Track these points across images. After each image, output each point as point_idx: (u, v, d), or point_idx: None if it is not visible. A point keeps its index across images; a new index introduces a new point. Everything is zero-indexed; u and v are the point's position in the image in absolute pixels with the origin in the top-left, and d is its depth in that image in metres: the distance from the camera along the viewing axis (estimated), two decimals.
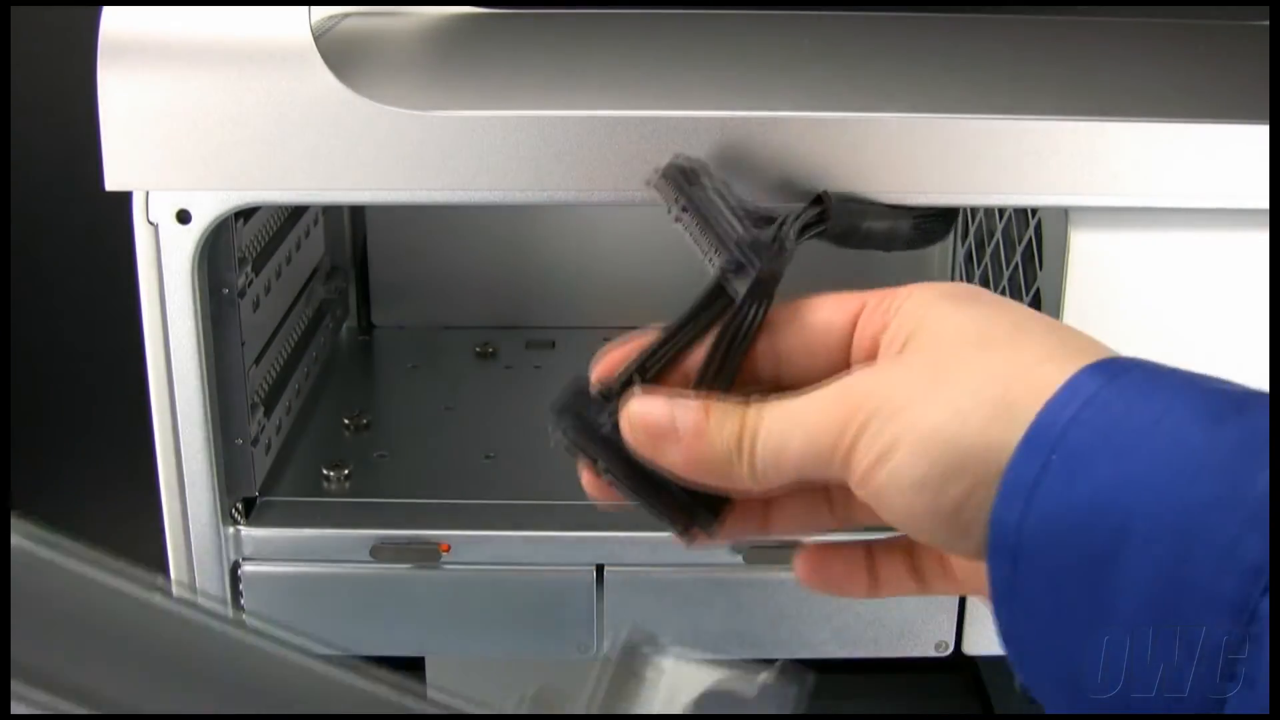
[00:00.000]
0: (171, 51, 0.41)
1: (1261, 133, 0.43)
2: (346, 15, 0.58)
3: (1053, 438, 0.28)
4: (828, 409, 0.31)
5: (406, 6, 0.61)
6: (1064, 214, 0.45)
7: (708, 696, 0.29)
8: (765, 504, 0.36)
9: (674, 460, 0.34)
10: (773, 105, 0.42)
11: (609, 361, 0.36)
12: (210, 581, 0.48)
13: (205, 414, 0.45)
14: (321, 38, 0.42)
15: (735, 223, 0.36)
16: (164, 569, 0.48)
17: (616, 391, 0.35)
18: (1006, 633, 0.29)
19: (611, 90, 0.45)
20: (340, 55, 0.43)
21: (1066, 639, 0.28)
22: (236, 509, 0.49)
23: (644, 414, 0.34)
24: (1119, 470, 0.27)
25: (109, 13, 0.41)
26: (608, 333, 0.73)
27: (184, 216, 0.43)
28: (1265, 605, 0.24)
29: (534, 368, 0.70)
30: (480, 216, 0.73)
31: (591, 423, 0.35)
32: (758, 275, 0.35)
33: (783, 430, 0.32)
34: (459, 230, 0.74)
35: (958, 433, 0.29)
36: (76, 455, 0.82)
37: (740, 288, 0.35)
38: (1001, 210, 0.58)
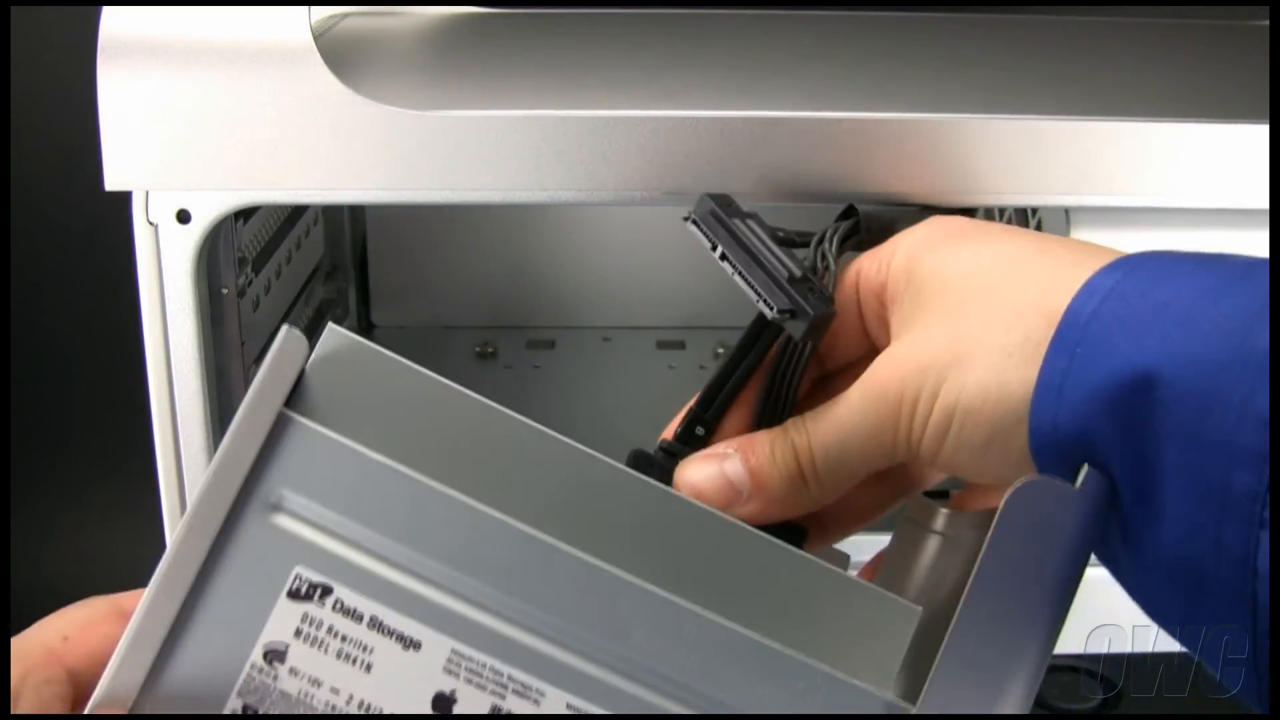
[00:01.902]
0: (171, 51, 0.41)
1: (1261, 133, 0.43)
2: (346, 15, 0.58)
3: (1076, 335, 0.29)
4: (871, 408, 0.32)
5: (406, 6, 0.61)
6: (1064, 214, 0.45)
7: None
8: (823, 513, 0.36)
9: (747, 514, 0.33)
10: (773, 105, 0.42)
11: (677, 422, 0.37)
12: None
13: (205, 414, 0.45)
14: (321, 37, 0.42)
15: (782, 263, 0.36)
16: None
17: (680, 445, 0.36)
18: None
19: (611, 90, 0.45)
20: (340, 55, 0.43)
21: (1131, 523, 0.29)
22: None
23: (698, 485, 0.34)
24: (1137, 348, 0.28)
25: (109, 13, 0.41)
26: (608, 333, 0.74)
27: (184, 216, 0.43)
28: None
29: (534, 368, 0.70)
30: (480, 216, 0.73)
31: None
32: (814, 318, 0.34)
33: (839, 443, 0.33)
34: (459, 230, 0.74)
35: (1002, 391, 0.30)
36: (76, 455, 0.82)
37: (796, 331, 0.35)
38: (1002, 210, 0.58)
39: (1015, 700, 0.29)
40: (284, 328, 0.30)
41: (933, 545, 0.34)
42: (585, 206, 0.72)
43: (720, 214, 0.37)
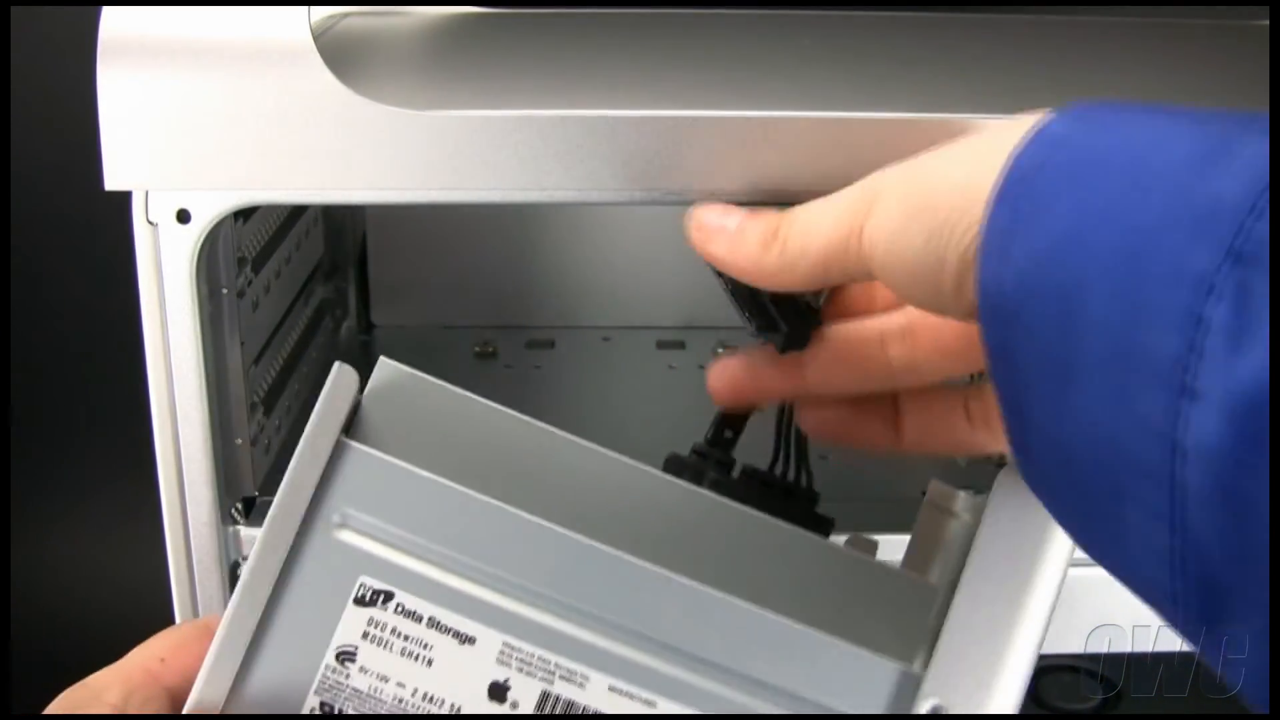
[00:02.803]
0: (171, 51, 0.41)
1: None
2: (346, 15, 0.58)
3: (1022, 185, 0.28)
4: (847, 197, 0.33)
5: (406, 6, 0.61)
6: None
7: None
8: (896, 412, 0.38)
9: (716, 249, 0.36)
10: (773, 105, 0.42)
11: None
12: (210, 581, 0.48)
13: (204, 414, 0.45)
14: (321, 37, 0.42)
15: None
16: (164, 569, 0.48)
17: (709, 447, 0.39)
18: (1008, 408, 0.29)
19: (611, 90, 0.45)
20: (340, 55, 0.43)
21: (1051, 397, 0.27)
22: (236, 509, 0.49)
23: (702, 214, 0.37)
24: (1080, 205, 0.26)
25: (109, 13, 0.41)
26: (608, 333, 0.74)
27: (184, 216, 0.43)
28: (1214, 313, 0.24)
29: (534, 368, 0.70)
30: (480, 216, 0.73)
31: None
32: (787, 335, 0.37)
33: (808, 222, 0.34)
34: (459, 230, 0.74)
35: (940, 172, 0.30)
36: (76, 455, 0.82)
37: (776, 344, 0.37)
38: None
39: (1019, 659, 0.32)
40: (336, 364, 0.34)
41: (954, 528, 0.36)
42: (585, 206, 0.72)
43: None
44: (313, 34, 0.41)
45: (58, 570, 0.84)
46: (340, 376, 0.33)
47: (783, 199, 0.43)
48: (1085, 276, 0.26)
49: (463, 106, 0.42)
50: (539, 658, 0.32)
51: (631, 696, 0.32)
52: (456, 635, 0.32)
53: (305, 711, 0.32)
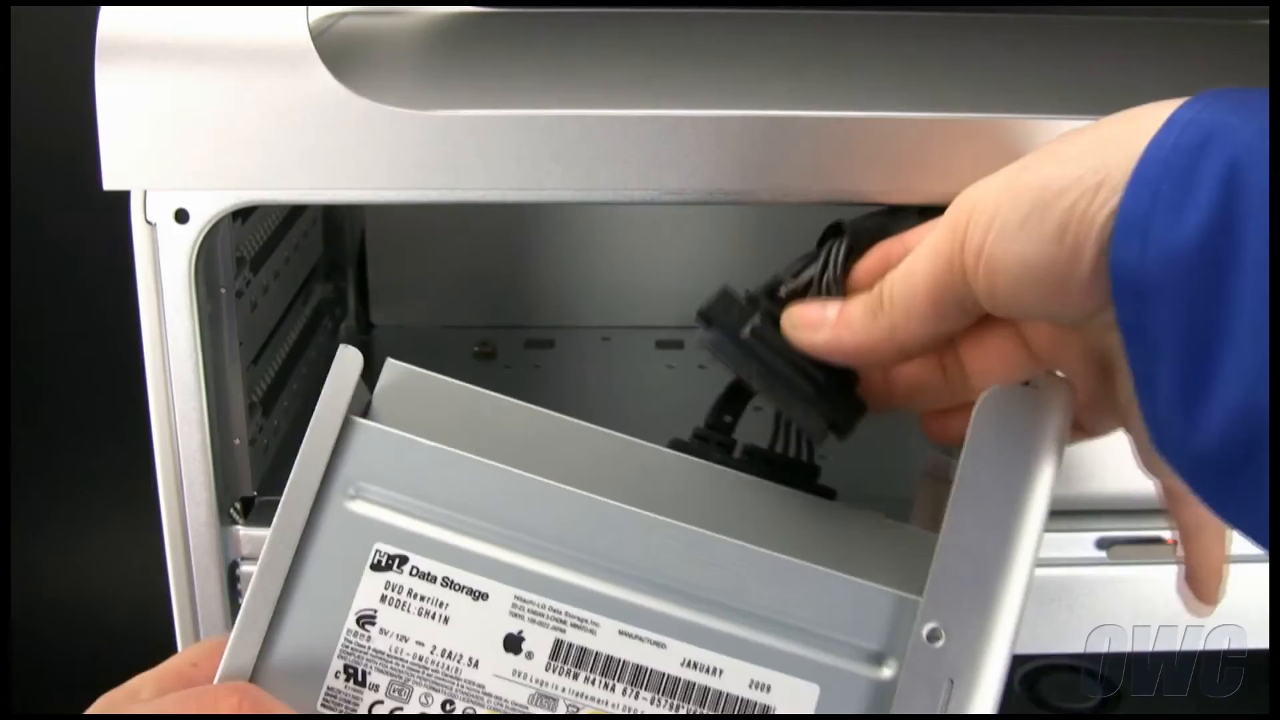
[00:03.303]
0: (170, 51, 0.41)
1: None
2: (345, 15, 0.58)
3: (1159, 168, 0.29)
4: (939, 227, 0.33)
5: (406, 6, 0.61)
6: None
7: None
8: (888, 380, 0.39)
9: (821, 340, 0.36)
10: (772, 105, 0.42)
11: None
12: (209, 581, 0.48)
13: (203, 414, 0.45)
14: (320, 37, 0.42)
15: (807, 376, 0.37)
16: (162, 568, 0.48)
17: (710, 430, 0.39)
18: (1140, 381, 0.30)
19: (611, 90, 0.45)
20: (339, 55, 0.43)
21: (1187, 371, 0.28)
22: (235, 509, 0.49)
23: (798, 313, 0.37)
24: (1225, 185, 0.27)
25: (107, 13, 0.41)
26: (608, 333, 0.74)
27: (182, 216, 0.43)
28: None
29: (534, 367, 0.70)
30: (480, 216, 0.73)
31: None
32: (847, 432, 0.38)
33: (907, 268, 0.34)
34: (459, 230, 0.74)
35: (1056, 171, 0.30)
36: (76, 455, 0.82)
37: (831, 436, 0.38)
38: None
39: (1015, 579, 0.33)
40: (341, 346, 0.35)
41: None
42: (585, 206, 0.72)
43: (731, 335, 0.38)
44: (311, 34, 0.41)
45: (57, 570, 0.84)
46: (345, 357, 0.35)
47: (782, 199, 0.43)
48: (1234, 255, 0.27)
49: (462, 106, 0.42)
50: (550, 608, 0.34)
51: (642, 639, 0.34)
52: (470, 592, 0.34)
53: (330, 674, 0.34)
